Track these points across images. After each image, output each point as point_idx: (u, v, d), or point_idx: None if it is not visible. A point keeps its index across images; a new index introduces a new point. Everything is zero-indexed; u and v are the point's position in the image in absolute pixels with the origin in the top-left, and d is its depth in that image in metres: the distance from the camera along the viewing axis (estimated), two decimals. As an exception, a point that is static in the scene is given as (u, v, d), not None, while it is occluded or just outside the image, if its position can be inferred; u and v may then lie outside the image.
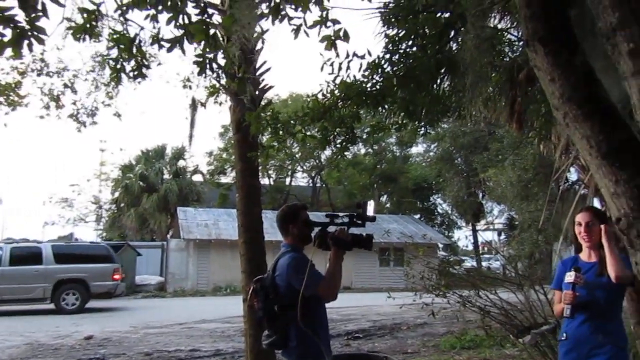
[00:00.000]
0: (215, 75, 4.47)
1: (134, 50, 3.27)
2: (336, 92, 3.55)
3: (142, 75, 3.41)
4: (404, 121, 3.97)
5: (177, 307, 16.41)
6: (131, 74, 3.39)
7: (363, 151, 33.23)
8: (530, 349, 4.26)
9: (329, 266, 3.08)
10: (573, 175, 9.82)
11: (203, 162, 32.69)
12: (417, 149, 33.00)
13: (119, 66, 3.34)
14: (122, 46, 3.25)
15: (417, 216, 31.30)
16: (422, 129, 4.08)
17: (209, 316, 13.26)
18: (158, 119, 60.21)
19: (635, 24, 1.57)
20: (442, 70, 4.11)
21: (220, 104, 5.99)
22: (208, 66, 3.05)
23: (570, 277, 2.85)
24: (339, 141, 4.00)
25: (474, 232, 29.48)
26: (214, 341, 9.70)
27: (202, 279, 22.34)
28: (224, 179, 30.68)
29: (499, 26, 5.52)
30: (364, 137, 28.57)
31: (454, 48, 3.85)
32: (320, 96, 3.63)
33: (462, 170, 23.86)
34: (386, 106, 3.97)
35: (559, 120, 2.03)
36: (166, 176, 29.84)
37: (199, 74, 3.12)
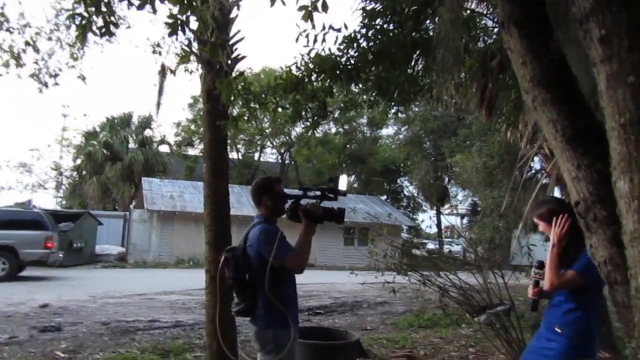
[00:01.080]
0: (187, 41, 4.35)
1: (102, 7, 3.13)
2: (310, 64, 3.51)
3: (109, 32, 3.27)
4: (377, 99, 3.97)
5: (137, 278, 16.24)
6: (98, 32, 3.24)
7: (334, 130, 33.27)
8: (485, 328, 4.42)
9: (299, 238, 3.11)
10: (536, 164, 10.10)
11: (170, 133, 32.12)
12: (388, 131, 33.29)
13: (84, 22, 3.19)
14: (88, 1, 3.10)
15: (384, 197, 31.68)
16: (394, 108, 4.09)
17: (170, 288, 13.18)
18: (125, 85, 58.61)
19: (608, 11, 1.58)
20: (418, 52, 4.11)
21: (191, 72, 5.82)
22: (180, 28, 2.95)
23: (532, 272, 2.92)
24: (310, 115, 3.97)
25: (438, 215, 30.12)
26: (174, 312, 9.66)
27: (164, 251, 22.13)
28: (191, 151, 30.29)
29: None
30: (336, 115, 28.61)
31: (430, 28, 3.85)
32: (294, 69, 3.58)
33: (430, 154, 24.21)
34: (360, 84, 3.97)
35: (528, 103, 2.06)
36: (132, 145, 29.18)
37: (170, 35, 3.01)
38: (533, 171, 9.92)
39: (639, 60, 1.48)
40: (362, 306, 11.48)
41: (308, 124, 4.34)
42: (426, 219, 33.29)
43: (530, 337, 4.59)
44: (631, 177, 1.50)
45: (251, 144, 31.94)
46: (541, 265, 2.89)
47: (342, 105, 4.03)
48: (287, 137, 31.13)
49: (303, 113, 4.08)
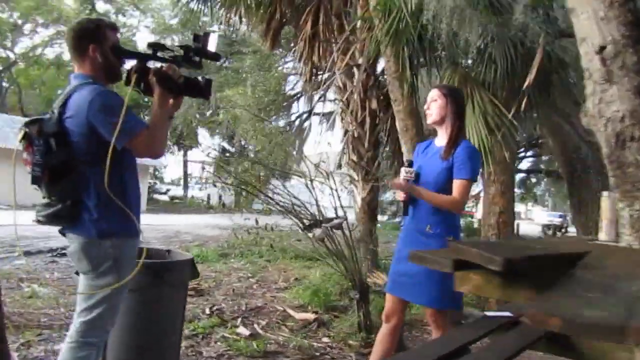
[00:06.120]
0: None
1: None
2: None
3: None
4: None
5: None
6: None
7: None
8: (318, 242, 4.14)
9: (152, 113, 2.14)
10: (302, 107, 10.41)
11: None
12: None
13: None
14: None
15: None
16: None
17: None
18: None
19: None
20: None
21: None
22: None
23: (402, 173, 2.69)
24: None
25: (185, 161, 29.48)
26: None
27: None
28: None
29: None
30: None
31: None
32: None
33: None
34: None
35: None
36: None
37: None
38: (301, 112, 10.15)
39: None
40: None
41: None
42: (171, 163, 32.00)
43: (361, 250, 4.54)
44: None
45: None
46: (410, 163, 2.72)
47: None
48: (9, 52, 25.27)
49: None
